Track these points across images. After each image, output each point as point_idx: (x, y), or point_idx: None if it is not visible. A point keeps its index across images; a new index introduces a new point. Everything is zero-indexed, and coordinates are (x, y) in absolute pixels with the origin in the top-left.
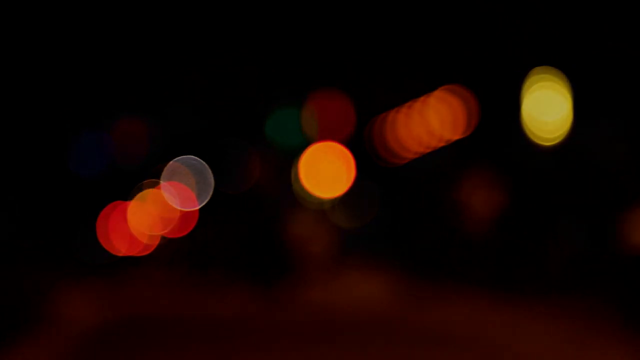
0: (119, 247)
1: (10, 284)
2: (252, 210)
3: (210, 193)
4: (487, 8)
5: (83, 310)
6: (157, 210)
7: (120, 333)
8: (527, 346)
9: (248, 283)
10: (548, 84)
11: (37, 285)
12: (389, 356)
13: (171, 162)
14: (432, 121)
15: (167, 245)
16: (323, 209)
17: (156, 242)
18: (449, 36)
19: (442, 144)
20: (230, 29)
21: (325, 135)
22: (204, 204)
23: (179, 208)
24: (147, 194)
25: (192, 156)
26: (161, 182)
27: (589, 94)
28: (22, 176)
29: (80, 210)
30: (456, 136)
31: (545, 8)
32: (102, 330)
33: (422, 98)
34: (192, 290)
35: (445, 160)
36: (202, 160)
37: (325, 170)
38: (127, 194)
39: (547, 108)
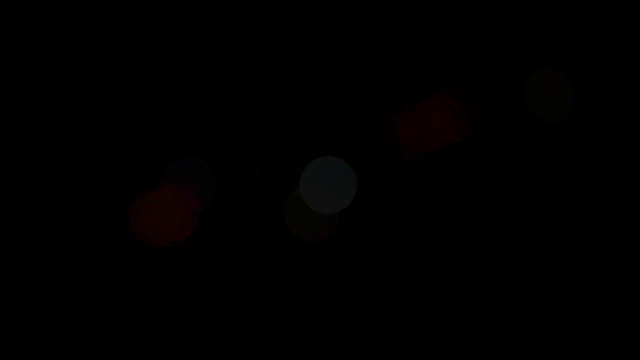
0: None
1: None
2: (253, 211)
3: (212, 194)
4: (489, 8)
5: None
6: (159, 211)
7: (121, 333)
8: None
9: (249, 283)
10: (550, 85)
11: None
12: (390, 354)
13: (172, 163)
14: (433, 123)
15: (168, 246)
16: (325, 209)
17: (157, 242)
18: (451, 36)
19: (443, 146)
20: (231, 28)
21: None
22: (205, 205)
23: (181, 209)
24: (148, 195)
25: (194, 157)
26: (162, 183)
27: (591, 95)
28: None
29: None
30: (457, 138)
31: (547, 8)
32: (104, 330)
33: (423, 100)
34: (193, 291)
35: (447, 161)
36: (203, 161)
37: None
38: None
39: (549, 109)
